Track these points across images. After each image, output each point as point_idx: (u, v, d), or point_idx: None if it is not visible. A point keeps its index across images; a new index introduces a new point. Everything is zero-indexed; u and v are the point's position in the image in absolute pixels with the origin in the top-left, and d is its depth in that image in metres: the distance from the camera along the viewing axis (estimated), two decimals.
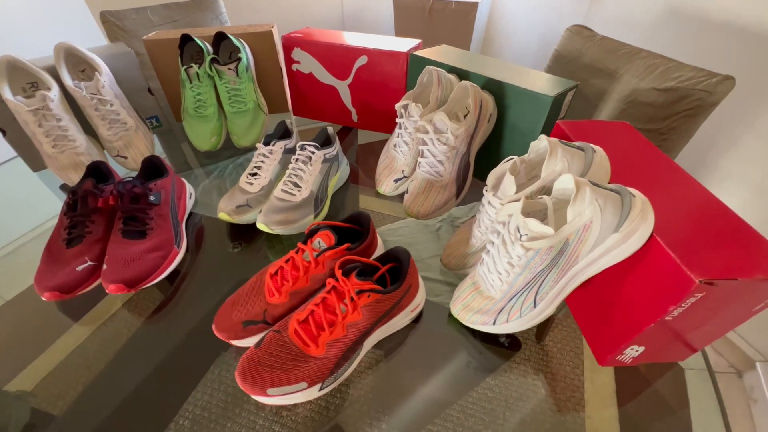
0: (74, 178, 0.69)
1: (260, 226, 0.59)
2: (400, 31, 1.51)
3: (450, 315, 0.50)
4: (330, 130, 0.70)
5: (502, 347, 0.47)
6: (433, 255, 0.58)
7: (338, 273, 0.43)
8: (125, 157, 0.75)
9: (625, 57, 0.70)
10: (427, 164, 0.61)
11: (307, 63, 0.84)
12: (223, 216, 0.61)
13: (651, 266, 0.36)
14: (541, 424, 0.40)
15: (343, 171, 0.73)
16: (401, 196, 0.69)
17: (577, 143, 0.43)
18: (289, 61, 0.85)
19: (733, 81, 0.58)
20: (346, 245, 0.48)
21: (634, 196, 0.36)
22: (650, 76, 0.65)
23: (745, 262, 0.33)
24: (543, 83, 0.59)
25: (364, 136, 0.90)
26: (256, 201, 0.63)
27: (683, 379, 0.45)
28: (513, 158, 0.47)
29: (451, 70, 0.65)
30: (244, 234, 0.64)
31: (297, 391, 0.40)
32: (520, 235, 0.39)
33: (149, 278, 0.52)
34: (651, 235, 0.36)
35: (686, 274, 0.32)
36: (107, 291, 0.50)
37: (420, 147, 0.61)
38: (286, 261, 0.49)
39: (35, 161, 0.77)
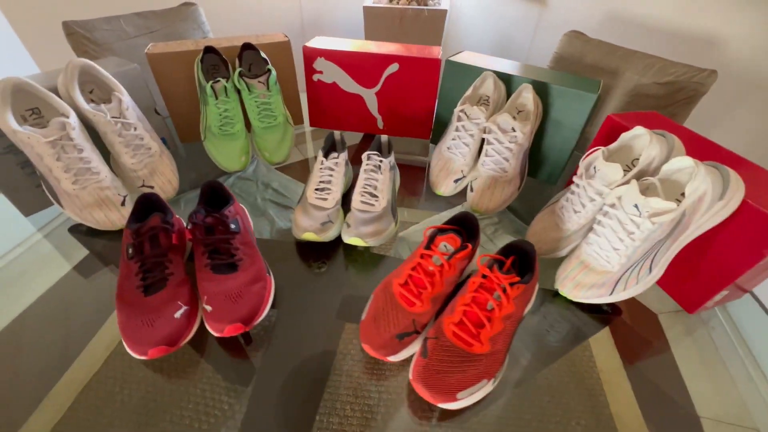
0: (99, 217, 0.59)
1: (353, 240, 0.58)
2: (371, 37, 1.53)
3: (556, 294, 0.55)
4: (384, 138, 0.70)
5: (606, 313, 0.54)
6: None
7: (486, 270, 0.45)
8: (151, 187, 0.66)
9: (623, 57, 0.84)
10: (492, 162, 0.66)
11: (330, 72, 0.82)
12: (308, 236, 0.58)
13: (745, 223, 0.45)
14: (566, 385, 0.46)
15: (398, 178, 0.74)
16: (457, 195, 0.72)
17: (658, 131, 0.52)
18: (310, 71, 0.82)
19: (717, 74, 0.73)
20: (469, 246, 0.50)
21: (728, 170, 0.45)
22: (650, 73, 0.79)
23: None
24: (579, 83, 0.67)
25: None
26: (335, 216, 0.61)
27: (659, 323, 0.53)
28: (599, 148, 0.53)
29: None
30: (314, 252, 0.61)
31: (480, 389, 0.41)
32: (640, 213, 0.45)
33: (259, 312, 0.48)
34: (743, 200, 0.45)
35: None
36: (219, 334, 0.45)
37: (486, 146, 0.66)
38: (413, 269, 0.49)
39: (27, 203, 0.63)
